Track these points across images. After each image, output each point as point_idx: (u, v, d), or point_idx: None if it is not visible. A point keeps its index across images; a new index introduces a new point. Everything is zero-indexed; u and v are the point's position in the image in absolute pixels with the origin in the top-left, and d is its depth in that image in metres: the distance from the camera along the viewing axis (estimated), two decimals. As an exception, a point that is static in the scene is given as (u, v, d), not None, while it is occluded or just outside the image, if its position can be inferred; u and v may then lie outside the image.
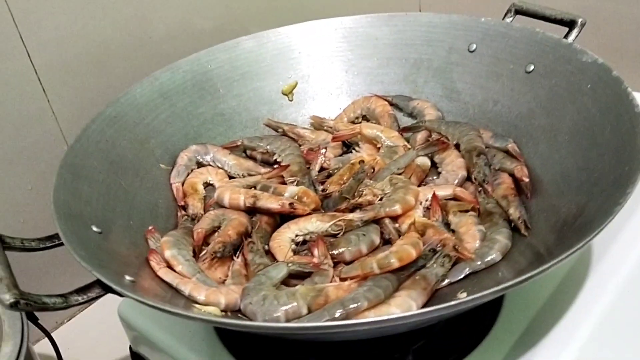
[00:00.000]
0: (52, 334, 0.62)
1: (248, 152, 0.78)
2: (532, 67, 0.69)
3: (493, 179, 0.64)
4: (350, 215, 0.61)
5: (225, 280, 0.59)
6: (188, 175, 0.72)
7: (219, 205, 0.67)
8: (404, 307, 0.51)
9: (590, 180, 0.54)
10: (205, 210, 0.68)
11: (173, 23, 0.87)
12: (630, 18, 0.81)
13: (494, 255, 0.56)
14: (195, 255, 0.61)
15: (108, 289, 0.45)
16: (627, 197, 0.45)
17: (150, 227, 0.62)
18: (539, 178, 0.62)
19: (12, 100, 0.76)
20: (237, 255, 0.61)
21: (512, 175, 0.64)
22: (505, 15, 0.77)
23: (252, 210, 0.65)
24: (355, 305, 0.51)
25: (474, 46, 0.75)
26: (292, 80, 0.83)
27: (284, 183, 0.70)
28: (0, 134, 0.75)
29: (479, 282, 0.55)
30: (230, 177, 0.74)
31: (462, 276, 0.56)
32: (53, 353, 0.62)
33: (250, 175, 0.73)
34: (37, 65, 0.77)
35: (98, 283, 0.46)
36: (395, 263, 0.54)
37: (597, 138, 0.56)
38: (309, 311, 0.52)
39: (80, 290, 0.45)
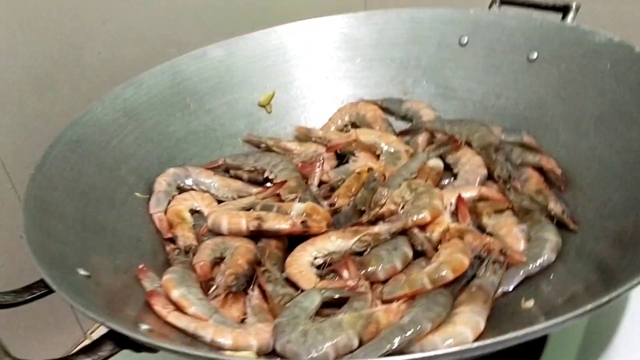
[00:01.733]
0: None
1: (232, 171, 0.69)
2: (535, 55, 0.65)
3: (518, 174, 0.59)
4: (377, 229, 0.54)
5: (244, 318, 0.49)
6: (170, 202, 0.62)
7: (215, 232, 0.57)
8: (472, 324, 0.44)
9: (641, 160, 0.50)
10: (198, 241, 0.58)
11: (114, 42, 0.76)
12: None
13: (547, 255, 0.51)
14: (203, 292, 0.50)
15: (124, 343, 0.35)
16: None
17: (140, 266, 0.52)
18: (569, 169, 0.58)
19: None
20: (251, 287, 0.51)
21: (536, 168, 0.60)
22: (490, 6, 0.74)
23: (255, 235, 0.56)
24: (417, 328, 0.43)
25: (466, 39, 0.71)
26: (268, 90, 0.75)
27: (281, 202, 0.61)
28: None
29: (537, 288, 0.49)
30: (219, 201, 0.64)
31: (517, 282, 0.50)
32: None
33: (240, 196, 0.64)
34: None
35: (109, 337, 0.35)
36: (449, 275, 0.47)
37: (636, 117, 0.53)
38: (361, 342, 0.44)
39: (88, 350, 0.34)
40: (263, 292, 0.51)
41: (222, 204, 0.62)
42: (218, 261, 0.55)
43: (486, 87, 0.69)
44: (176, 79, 0.71)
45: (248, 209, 0.59)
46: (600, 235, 0.50)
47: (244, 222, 0.56)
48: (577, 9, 0.67)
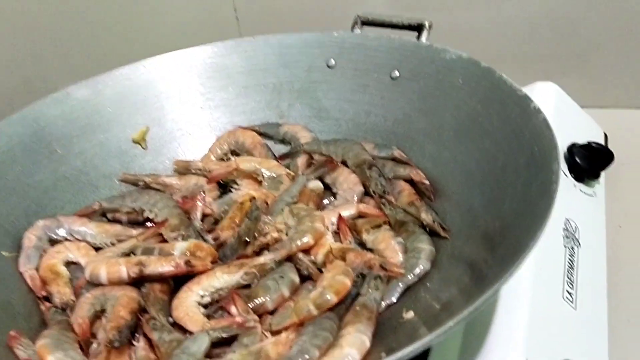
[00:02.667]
0: None
1: (110, 215, 0.66)
2: (397, 73, 0.69)
3: (391, 188, 0.62)
4: (262, 259, 0.54)
5: (131, 373, 0.47)
6: (41, 257, 0.58)
7: (94, 284, 0.55)
8: (357, 344, 0.45)
9: (495, 169, 0.54)
10: (76, 295, 0.55)
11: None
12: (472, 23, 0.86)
13: (423, 265, 0.53)
14: (84, 352, 0.48)
15: None
16: (557, 176, 0.44)
17: (12, 332, 0.48)
18: (436, 179, 0.61)
19: None
20: (136, 338, 0.50)
21: (408, 181, 0.63)
22: (352, 28, 0.77)
23: (138, 281, 0.54)
24: (306, 357, 0.44)
25: (333, 61, 0.73)
26: (142, 125, 0.73)
27: (164, 241, 0.60)
28: None
29: (417, 298, 0.52)
30: (97, 249, 0.61)
31: (398, 295, 0.52)
32: None
33: (120, 241, 0.62)
34: None
35: None
36: (333, 299, 0.48)
37: (487, 128, 0.57)
38: (252, 380, 0.44)
39: None
40: (150, 342, 0.49)
41: (100, 251, 0.60)
42: (100, 314, 0.52)
43: (356, 106, 0.72)
44: (39, 124, 0.68)
45: (129, 254, 0.58)
46: (468, 239, 0.54)
47: (125, 270, 0.54)
48: (430, 27, 0.72)
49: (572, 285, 0.62)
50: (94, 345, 0.48)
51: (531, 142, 0.50)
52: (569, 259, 0.64)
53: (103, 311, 0.52)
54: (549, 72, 0.82)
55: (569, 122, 0.79)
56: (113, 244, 0.61)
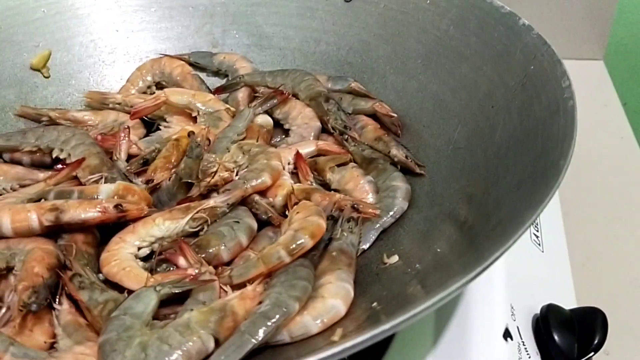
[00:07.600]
0: None
1: (7, 155, 0.53)
2: (351, -5, 0.61)
3: (353, 124, 0.55)
4: (212, 202, 0.45)
5: (53, 343, 0.37)
6: None
7: (-5, 237, 0.43)
8: (342, 294, 0.38)
9: (478, 95, 0.48)
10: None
11: None
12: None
13: (400, 205, 0.47)
14: (-12, 321, 0.37)
15: None
16: (570, 90, 0.39)
17: None
18: (402, 112, 0.55)
19: None
20: (57, 300, 0.39)
21: (370, 115, 0.56)
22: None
23: (54, 232, 0.43)
24: (284, 311, 0.36)
25: (276, -19, 0.64)
26: (42, 48, 0.60)
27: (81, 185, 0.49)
28: None
29: (396, 241, 0.45)
30: (-5, 196, 0.49)
31: (375, 238, 0.46)
32: None
33: (24, 185, 0.50)
34: None
35: None
36: (308, 242, 0.41)
37: (463, 52, 0.51)
38: (217, 342, 0.35)
39: None
40: (76, 304, 0.39)
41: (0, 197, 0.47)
42: (5, 273, 0.41)
43: (303, 33, 0.63)
44: None
45: (38, 200, 0.46)
46: (449, 175, 0.48)
47: (35, 217, 0.42)
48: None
49: (537, 227, 0.59)
50: (3, 310, 0.37)
51: (524, 62, 0.45)
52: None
53: (9, 269, 0.40)
54: None
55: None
56: (14, 190, 0.49)
